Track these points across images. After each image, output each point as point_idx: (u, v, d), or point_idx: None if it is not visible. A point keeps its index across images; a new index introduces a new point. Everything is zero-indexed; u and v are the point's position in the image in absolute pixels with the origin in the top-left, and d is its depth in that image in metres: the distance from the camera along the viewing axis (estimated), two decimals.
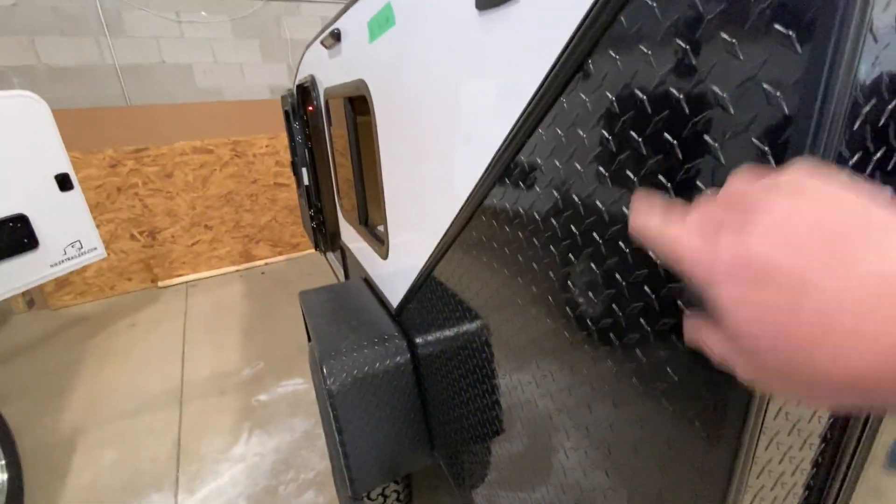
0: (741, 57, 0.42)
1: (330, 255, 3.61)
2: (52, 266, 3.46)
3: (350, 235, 2.43)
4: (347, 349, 1.58)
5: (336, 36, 1.74)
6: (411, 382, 1.60)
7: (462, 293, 1.15)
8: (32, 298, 4.62)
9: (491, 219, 0.92)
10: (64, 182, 3.49)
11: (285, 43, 5.32)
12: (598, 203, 0.62)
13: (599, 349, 0.68)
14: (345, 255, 2.80)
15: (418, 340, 1.58)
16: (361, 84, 1.55)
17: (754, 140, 0.42)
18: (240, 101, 5.23)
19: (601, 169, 0.61)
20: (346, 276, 2.98)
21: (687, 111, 0.48)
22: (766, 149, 0.42)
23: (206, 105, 5.05)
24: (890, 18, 0.37)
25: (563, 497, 0.89)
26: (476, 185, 0.94)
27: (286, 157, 5.51)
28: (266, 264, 5.60)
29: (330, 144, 2.45)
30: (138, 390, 3.19)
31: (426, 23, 1.00)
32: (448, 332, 1.30)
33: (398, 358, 1.61)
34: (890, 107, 0.40)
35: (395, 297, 1.75)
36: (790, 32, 0.38)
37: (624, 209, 0.58)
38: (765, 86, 0.41)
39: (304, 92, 3.12)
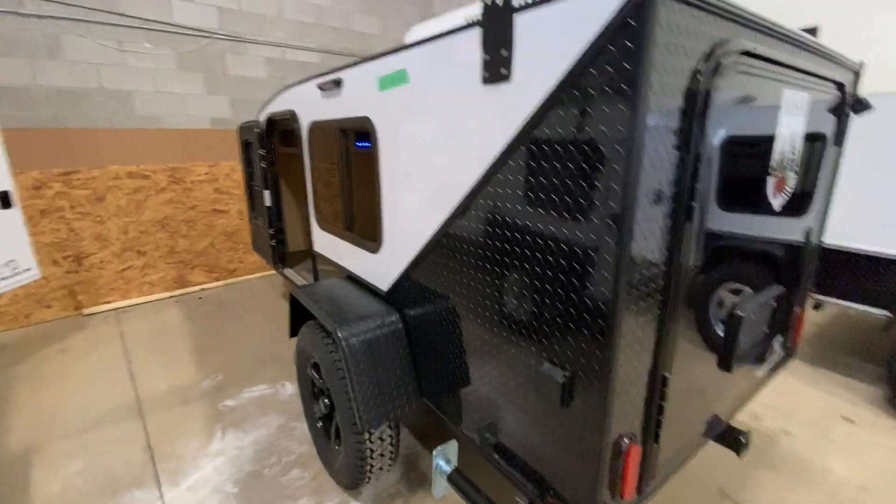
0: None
1: (288, 270, 3.91)
2: None
3: (328, 243, 2.86)
4: (354, 319, 2.04)
5: (337, 83, 2.29)
6: (404, 344, 2.09)
7: (438, 280, 1.72)
8: None
9: (463, 230, 1.52)
10: (4, 200, 3.45)
11: (230, 79, 5.60)
12: (517, 222, 1.25)
13: (515, 326, 1.29)
14: (315, 262, 3.18)
15: (408, 313, 2.09)
16: (365, 120, 2.10)
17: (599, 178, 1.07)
18: (180, 129, 5.34)
19: (521, 204, 1.24)
20: (317, 280, 3.34)
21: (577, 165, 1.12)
22: (610, 185, 1.06)
23: (143, 132, 5.10)
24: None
25: (489, 395, 1.47)
26: (457, 206, 1.56)
27: (226, 184, 5.66)
28: (203, 290, 5.56)
29: (310, 167, 2.90)
30: (90, 408, 3.15)
31: (437, 87, 1.61)
32: (431, 307, 1.85)
33: (392, 326, 2.10)
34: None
35: (384, 282, 2.25)
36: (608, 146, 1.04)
37: (534, 227, 1.21)
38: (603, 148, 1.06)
39: (274, 124, 3.54)
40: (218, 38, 5.41)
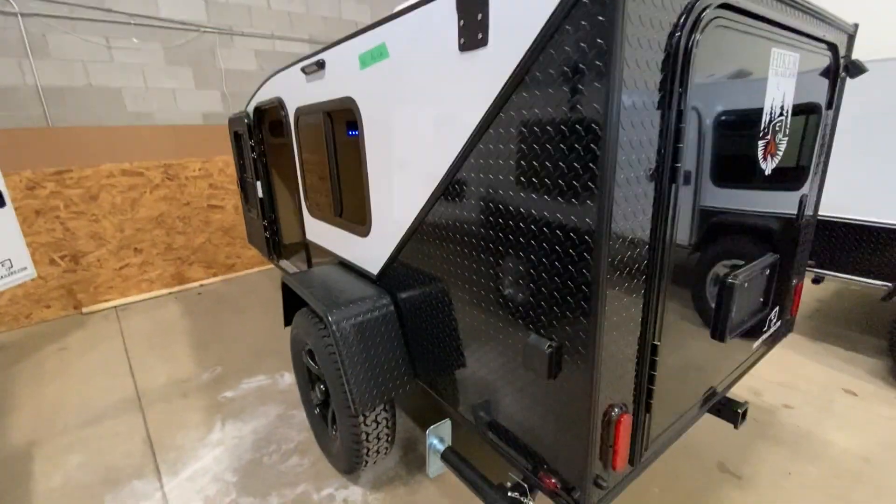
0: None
1: (284, 262, 3.89)
2: None
3: (319, 230, 2.83)
4: (344, 303, 2.02)
5: (320, 65, 2.25)
6: (396, 326, 2.07)
7: (425, 260, 1.69)
8: None
9: (446, 207, 1.49)
10: None
11: (219, 72, 5.55)
12: (499, 196, 1.22)
13: (501, 300, 1.26)
14: (308, 250, 3.16)
15: (400, 296, 2.07)
16: (348, 100, 2.06)
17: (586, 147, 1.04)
18: (172, 126, 5.31)
19: (502, 175, 1.20)
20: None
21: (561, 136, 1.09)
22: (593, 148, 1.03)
23: (136, 128, 5.07)
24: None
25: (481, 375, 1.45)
26: (440, 182, 1.52)
27: (220, 179, 5.64)
28: (201, 286, 5.57)
29: (299, 154, 2.87)
30: (90, 403, 3.17)
31: (417, 59, 1.57)
32: (420, 288, 1.82)
33: (383, 309, 2.08)
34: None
35: (375, 266, 2.23)
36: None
37: (515, 202, 1.18)
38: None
39: (262, 113, 3.50)
40: (206, 32, 5.35)
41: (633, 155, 1.09)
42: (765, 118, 1.51)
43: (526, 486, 1.51)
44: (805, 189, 2.01)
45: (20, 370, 3.65)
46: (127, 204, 5.07)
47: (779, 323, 2.20)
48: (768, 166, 1.62)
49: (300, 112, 2.68)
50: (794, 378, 3.17)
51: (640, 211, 1.17)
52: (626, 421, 1.32)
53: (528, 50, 1.14)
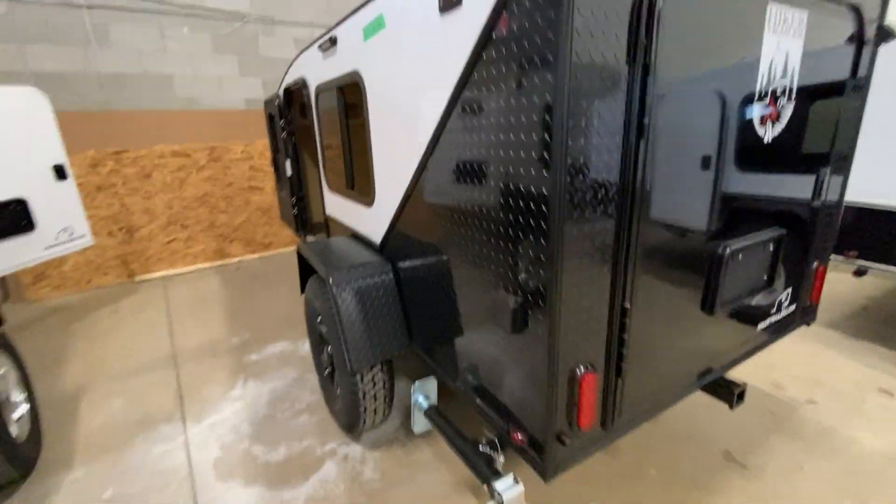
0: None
1: (311, 237, 4.09)
2: (45, 249, 3.75)
3: (336, 204, 2.97)
4: (346, 268, 2.13)
5: (333, 41, 2.35)
6: (394, 292, 2.15)
7: (418, 227, 1.75)
8: (7, 291, 4.73)
9: (433, 171, 1.53)
10: (60, 171, 3.81)
11: (261, 60, 5.84)
12: (473, 155, 1.24)
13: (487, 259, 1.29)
14: (328, 225, 3.31)
15: (399, 264, 2.15)
16: (355, 73, 2.15)
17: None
18: (217, 111, 5.66)
19: (476, 134, 1.23)
20: None
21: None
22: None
23: (185, 113, 5.45)
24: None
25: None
26: (425, 149, 1.57)
27: (260, 162, 5.95)
28: (240, 261, 5.93)
29: (319, 131, 3.01)
30: (132, 358, 3.50)
31: (407, 26, 1.63)
32: (415, 255, 1.88)
33: (383, 276, 2.17)
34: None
35: (378, 235, 2.32)
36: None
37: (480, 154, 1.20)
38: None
39: (291, 94, 3.68)
40: (249, 21, 5.64)
41: (587, 104, 1.09)
42: (761, 80, 1.45)
43: (498, 442, 1.55)
44: (824, 167, 1.88)
45: (78, 327, 4.07)
46: (176, 183, 5.48)
47: (792, 307, 2.09)
48: (768, 133, 1.55)
49: (319, 89, 2.81)
50: (824, 374, 2.98)
51: (602, 167, 1.17)
52: (591, 380, 1.33)
53: (494, 6, 1.16)
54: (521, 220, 1.25)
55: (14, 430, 2.25)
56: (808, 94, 1.65)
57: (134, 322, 4.17)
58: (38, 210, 3.61)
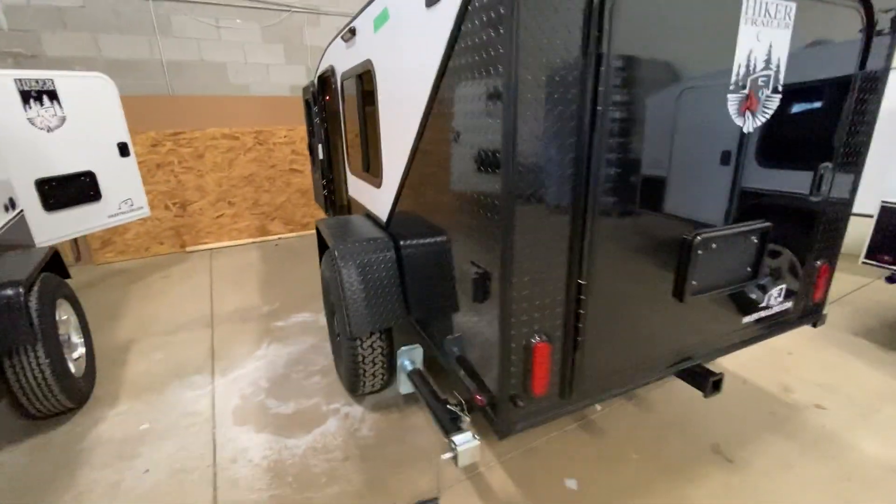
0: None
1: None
2: (109, 217, 4.24)
3: (356, 185, 3.17)
4: (352, 243, 2.32)
5: (353, 31, 2.52)
6: (394, 266, 2.32)
7: (413, 205, 1.89)
8: (79, 253, 5.37)
9: (422, 152, 1.66)
10: (124, 149, 4.27)
11: (306, 48, 6.16)
12: (451, 138, 1.36)
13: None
14: (350, 207, 3.54)
15: (401, 242, 2.31)
16: (368, 62, 2.32)
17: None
18: (264, 97, 6.05)
19: (451, 119, 1.34)
20: None
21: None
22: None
23: (235, 98, 5.87)
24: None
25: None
26: (416, 131, 1.70)
27: (301, 146, 6.30)
28: (279, 238, 6.35)
29: (343, 116, 3.21)
30: (176, 317, 3.91)
31: (403, 17, 1.76)
32: (411, 233, 2.03)
33: (385, 251, 2.34)
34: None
35: (384, 213, 2.49)
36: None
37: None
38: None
39: (324, 81, 3.91)
40: (296, 12, 5.95)
41: (537, 93, 1.19)
42: (737, 70, 1.47)
43: (465, 404, 1.69)
44: (825, 163, 1.84)
45: (134, 289, 4.58)
46: (225, 163, 5.93)
47: (787, 304, 2.06)
48: (748, 124, 1.56)
49: (343, 77, 3.00)
50: (842, 381, 2.86)
51: (554, 151, 1.26)
52: (543, 349, 1.43)
53: (462, 1, 1.28)
54: (481, 199, 1.37)
55: (72, 367, 2.65)
56: (800, 86, 1.64)
57: (181, 287, 4.63)
58: (103, 182, 4.09)
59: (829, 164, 1.86)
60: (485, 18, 1.19)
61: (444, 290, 1.84)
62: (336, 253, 2.25)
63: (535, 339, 1.43)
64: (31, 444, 2.42)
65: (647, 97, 1.35)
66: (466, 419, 1.67)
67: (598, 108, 1.25)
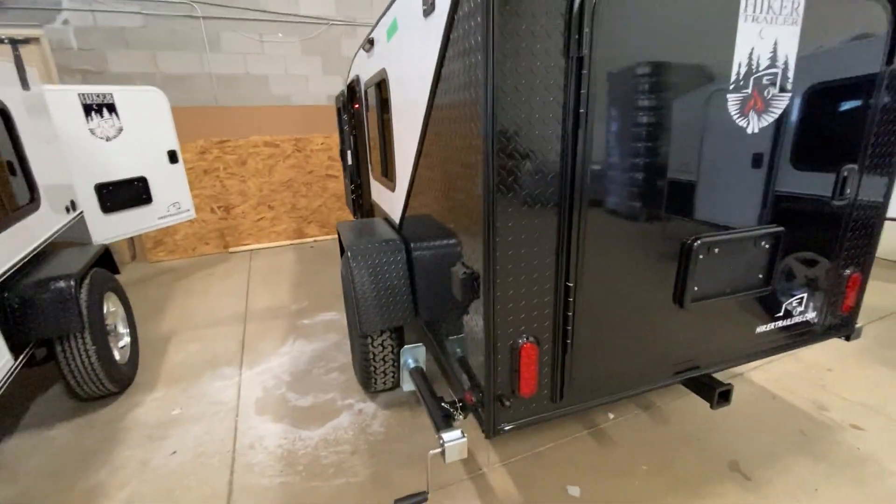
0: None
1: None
2: (158, 218, 4.59)
3: (377, 190, 3.28)
4: (365, 245, 2.41)
5: (371, 42, 2.64)
6: (404, 267, 2.39)
7: (419, 210, 1.95)
8: (135, 252, 5.84)
9: (425, 157, 1.72)
10: (173, 156, 4.62)
11: (342, 59, 6.42)
12: (445, 140, 1.41)
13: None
14: (373, 211, 3.66)
15: (411, 243, 2.38)
16: (383, 71, 2.42)
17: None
18: (303, 106, 6.36)
19: (446, 123, 1.39)
20: None
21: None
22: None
23: (276, 108, 6.21)
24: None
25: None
26: (420, 135, 1.76)
27: (336, 153, 6.55)
28: (315, 241, 6.62)
29: (367, 124, 3.34)
30: (214, 313, 4.18)
31: (408, 28, 1.84)
32: (421, 236, 2.09)
33: (396, 252, 2.41)
34: None
35: (397, 216, 2.57)
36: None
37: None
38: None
39: (352, 90, 4.08)
40: (333, 24, 6.23)
41: (518, 97, 1.21)
42: (737, 69, 1.42)
43: (459, 403, 1.72)
44: (849, 165, 1.74)
45: (179, 285, 4.93)
46: (266, 169, 6.27)
47: (810, 315, 1.95)
48: (752, 124, 1.51)
49: (366, 86, 3.13)
50: (884, 401, 2.64)
51: (536, 156, 1.28)
52: (530, 350, 1.44)
53: (449, 11, 1.33)
54: (467, 200, 1.41)
55: (117, 355, 2.90)
56: (815, 85, 1.56)
57: (221, 285, 4.93)
58: (154, 187, 4.44)
59: (854, 166, 1.75)
60: (467, 27, 1.24)
61: (445, 292, 1.89)
62: (349, 253, 2.35)
63: (522, 340, 1.44)
64: (79, 422, 2.67)
65: (635, 97, 1.34)
66: (459, 417, 1.70)
67: (581, 110, 1.26)
